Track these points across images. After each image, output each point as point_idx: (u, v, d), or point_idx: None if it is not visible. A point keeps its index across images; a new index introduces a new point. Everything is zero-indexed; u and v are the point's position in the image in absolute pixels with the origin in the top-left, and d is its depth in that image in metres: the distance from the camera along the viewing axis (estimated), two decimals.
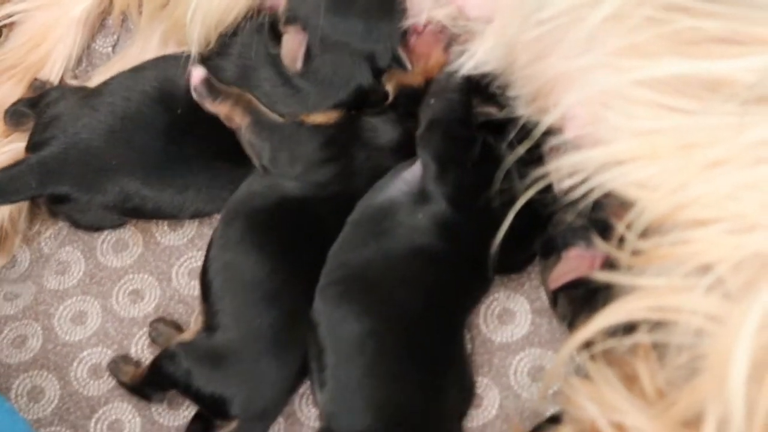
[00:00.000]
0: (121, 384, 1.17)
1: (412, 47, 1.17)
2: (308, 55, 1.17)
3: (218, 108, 1.18)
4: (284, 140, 1.16)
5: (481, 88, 1.12)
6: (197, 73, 1.18)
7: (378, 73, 1.17)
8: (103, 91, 1.23)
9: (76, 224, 1.25)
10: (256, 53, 1.20)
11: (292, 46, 1.17)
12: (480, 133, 1.13)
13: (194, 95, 1.18)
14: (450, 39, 1.14)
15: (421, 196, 1.11)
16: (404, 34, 1.17)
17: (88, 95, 1.23)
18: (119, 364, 1.18)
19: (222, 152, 1.20)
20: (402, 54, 1.17)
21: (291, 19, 1.17)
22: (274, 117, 1.18)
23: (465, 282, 1.12)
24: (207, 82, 1.18)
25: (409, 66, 1.17)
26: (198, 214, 1.23)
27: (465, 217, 1.10)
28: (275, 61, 1.18)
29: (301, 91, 1.18)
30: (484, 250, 1.04)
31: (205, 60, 1.21)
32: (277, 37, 1.18)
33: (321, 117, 1.18)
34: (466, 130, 1.13)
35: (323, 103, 1.18)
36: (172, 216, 1.23)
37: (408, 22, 1.17)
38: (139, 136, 1.20)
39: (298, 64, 1.16)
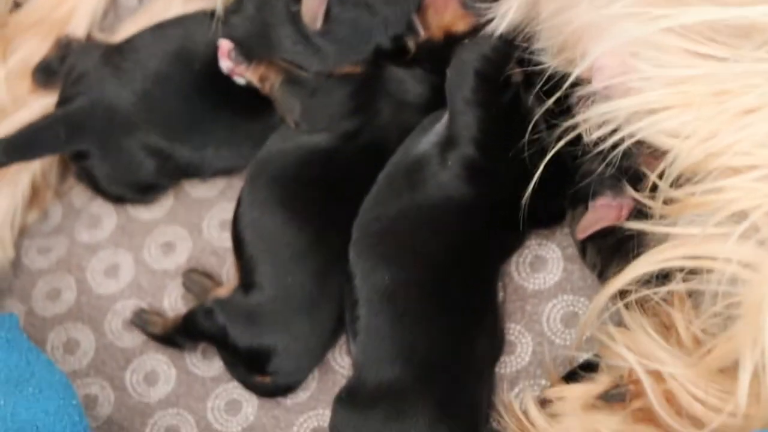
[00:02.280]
0: (150, 335, 1.19)
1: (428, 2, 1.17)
2: (328, 15, 1.16)
3: (252, 71, 1.18)
4: (314, 92, 1.17)
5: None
6: (225, 45, 1.18)
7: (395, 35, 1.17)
8: (126, 49, 1.23)
9: (100, 190, 1.26)
10: (276, 10, 1.19)
11: (313, 5, 1.16)
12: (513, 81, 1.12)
13: (223, 66, 1.18)
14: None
15: (448, 141, 1.11)
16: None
17: (111, 52, 1.23)
18: (143, 316, 1.19)
19: (240, 108, 1.21)
20: (415, 19, 1.17)
21: None
22: (304, 74, 1.18)
23: (497, 231, 1.12)
24: (236, 51, 1.18)
25: (421, 32, 1.16)
26: (219, 172, 1.24)
27: (493, 163, 1.10)
28: (295, 19, 1.18)
29: (321, 50, 1.17)
30: (515, 199, 1.04)
31: (222, 19, 1.20)
32: None
33: (347, 68, 1.17)
34: (497, 71, 1.12)
35: (343, 61, 1.17)
36: (194, 174, 1.24)
37: None
38: (159, 94, 1.21)
39: (318, 23, 1.16)
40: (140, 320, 1.19)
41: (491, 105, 1.11)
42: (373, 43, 1.17)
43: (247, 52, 1.18)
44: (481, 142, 1.10)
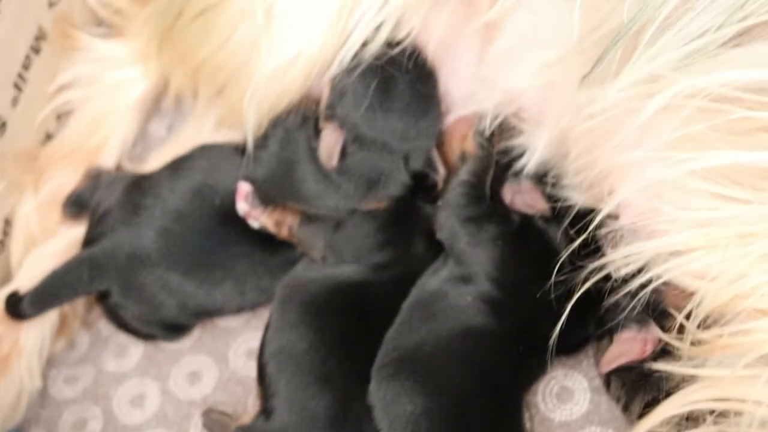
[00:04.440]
0: None
1: (450, 137, 1.19)
2: (344, 153, 1.18)
3: (268, 216, 1.19)
4: (338, 226, 1.18)
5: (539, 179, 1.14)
6: (244, 188, 1.20)
7: (414, 171, 1.19)
8: (147, 185, 1.25)
9: (127, 329, 1.26)
10: (298, 148, 1.21)
11: (329, 143, 1.18)
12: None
13: (239, 209, 1.20)
14: (503, 135, 1.15)
15: (463, 279, 1.12)
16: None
17: (133, 189, 1.25)
18: None
19: (260, 242, 1.22)
20: (435, 156, 1.19)
21: (329, 116, 1.19)
22: (321, 212, 1.19)
23: (520, 360, 1.12)
24: (253, 195, 1.19)
25: (441, 170, 1.19)
26: (241, 308, 1.25)
27: (514, 298, 1.11)
28: (315, 156, 1.19)
29: (341, 187, 1.18)
30: (538, 327, 1.04)
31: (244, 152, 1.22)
32: (318, 131, 1.20)
33: (372, 204, 1.19)
34: (478, 208, 1.14)
35: (364, 199, 1.18)
36: (216, 312, 1.25)
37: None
38: (179, 230, 1.21)
39: (334, 162, 1.17)
40: None
41: (497, 240, 1.13)
42: (391, 182, 1.18)
43: (265, 195, 1.20)
44: (498, 279, 1.11)
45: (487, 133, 1.16)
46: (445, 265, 1.15)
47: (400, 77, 1.17)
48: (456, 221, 1.14)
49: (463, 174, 1.15)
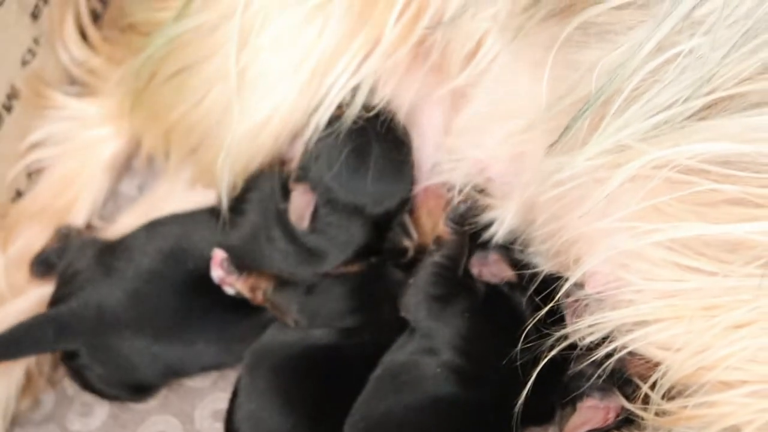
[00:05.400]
0: None
1: (419, 205, 1.20)
2: (315, 215, 1.18)
3: (243, 282, 1.19)
4: (310, 289, 1.18)
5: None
6: (218, 254, 1.20)
7: (384, 236, 1.19)
8: (120, 248, 1.24)
9: (92, 389, 1.25)
10: (269, 213, 1.21)
11: (300, 204, 1.18)
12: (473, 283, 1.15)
13: (214, 276, 1.20)
14: (472, 205, 1.16)
15: (430, 350, 1.12)
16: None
17: (105, 251, 1.24)
18: None
19: (231, 305, 1.21)
20: (408, 222, 1.20)
21: (301, 177, 1.19)
22: (293, 277, 1.19)
23: (490, 429, 1.11)
24: (228, 261, 1.19)
25: (414, 234, 1.19)
26: (207, 368, 1.24)
27: (480, 365, 1.11)
28: (284, 219, 1.19)
29: (309, 249, 1.18)
30: (506, 398, 1.04)
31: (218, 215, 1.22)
32: (286, 193, 1.20)
33: (342, 268, 1.19)
34: (446, 288, 1.14)
35: (335, 261, 1.18)
36: (183, 372, 1.24)
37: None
38: (150, 292, 1.21)
39: (305, 223, 1.17)
40: None
41: (464, 313, 1.13)
42: (359, 243, 1.18)
43: (239, 262, 1.20)
44: (465, 350, 1.11)
45: (458, 211, 1.17)
46: (411, 338, 1.15)
47: (374, 142, 1.18)
48: (423, 298, 1.14)
49: (437, 257, 1.15)
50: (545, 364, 1.00)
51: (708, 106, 0.92)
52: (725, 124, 0.91)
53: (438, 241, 1.16)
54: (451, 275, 1.14)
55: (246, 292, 1.19)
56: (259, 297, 1.19)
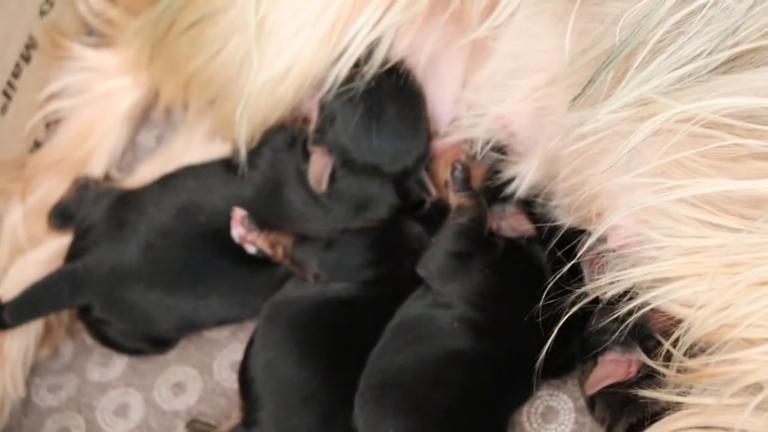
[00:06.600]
0: None
1: (437, 155, 1.19)
2: (333, 177, 1.18)
3: (263, 238, 1.19)
4: (330, 245, 1.18)
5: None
6: (239, 213, 1.19)
7: (404, 193, 1.19)
8: (133, 202, 1.24)
9: (110, 344, 1.25)
10: (287, 168, 1.21)
11: (318, 168, 1.18)
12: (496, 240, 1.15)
13: (235, 234, 1.20)
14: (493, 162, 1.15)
15: (447, 305, 1.12)
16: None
17: (120, 204, 1.24)
18: None
19: (244, 259, 1.21)
20: (426, 178, 1.19)
21: (318, 140, 1.19)
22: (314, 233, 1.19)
23: (506, 382, 1.11)
24: (248, 219, 1.19)
25: (432, 191, 1.19)
26: (222, 322, 1.24)
27: (498, 321, 1.11)
28: (304, 179, 1.19)
29: (331, 211, 1.19)
30: (524, 350, 1.04)
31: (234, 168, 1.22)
32: (307, 155, 1.20)
33: (361, 223, 1.19)
34: (468, 245, 1.14)
35: (353, 222, 1.19)
36: (199, 325, 1.24)
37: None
38: (162, 245, 1.21)
39: (323, 186, 1.18)
40: None
41: (485, 268, 1.13)
42: (382, 204, 1.18)
43: (259, 221, 1.19)
44: (483, 306, 1.11)
45: (459, 177, 1.15)
46: (428, 291, 1.14)
47: (389, 101, 1.17)
48: (443, 256, 1.14)
49: (462, 219, 1.15)
50: (565, 318, 1.00)
51: (733, 59, 0.90)
52: (750, 78, 0.89)
53: (459, 208, 1.15)
54: (475, 234, 1.13)
55: (267, 249, 1.19)
56: (279, 253, 1.18)
